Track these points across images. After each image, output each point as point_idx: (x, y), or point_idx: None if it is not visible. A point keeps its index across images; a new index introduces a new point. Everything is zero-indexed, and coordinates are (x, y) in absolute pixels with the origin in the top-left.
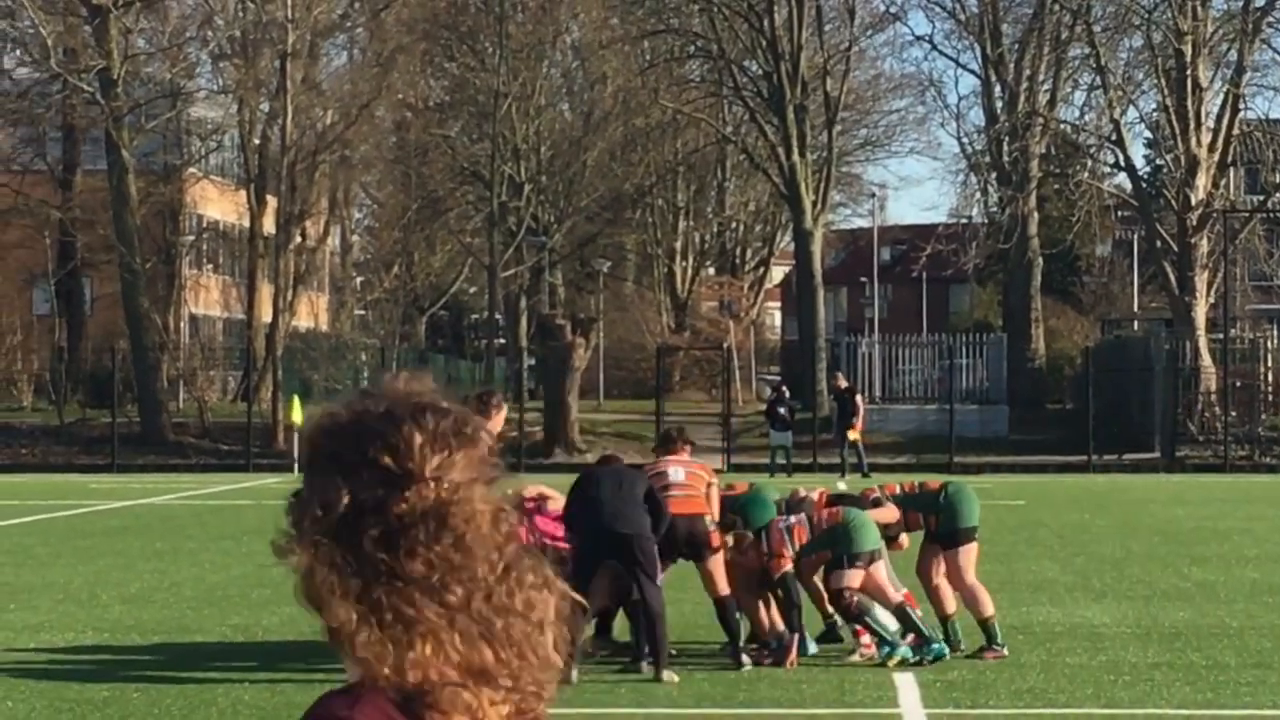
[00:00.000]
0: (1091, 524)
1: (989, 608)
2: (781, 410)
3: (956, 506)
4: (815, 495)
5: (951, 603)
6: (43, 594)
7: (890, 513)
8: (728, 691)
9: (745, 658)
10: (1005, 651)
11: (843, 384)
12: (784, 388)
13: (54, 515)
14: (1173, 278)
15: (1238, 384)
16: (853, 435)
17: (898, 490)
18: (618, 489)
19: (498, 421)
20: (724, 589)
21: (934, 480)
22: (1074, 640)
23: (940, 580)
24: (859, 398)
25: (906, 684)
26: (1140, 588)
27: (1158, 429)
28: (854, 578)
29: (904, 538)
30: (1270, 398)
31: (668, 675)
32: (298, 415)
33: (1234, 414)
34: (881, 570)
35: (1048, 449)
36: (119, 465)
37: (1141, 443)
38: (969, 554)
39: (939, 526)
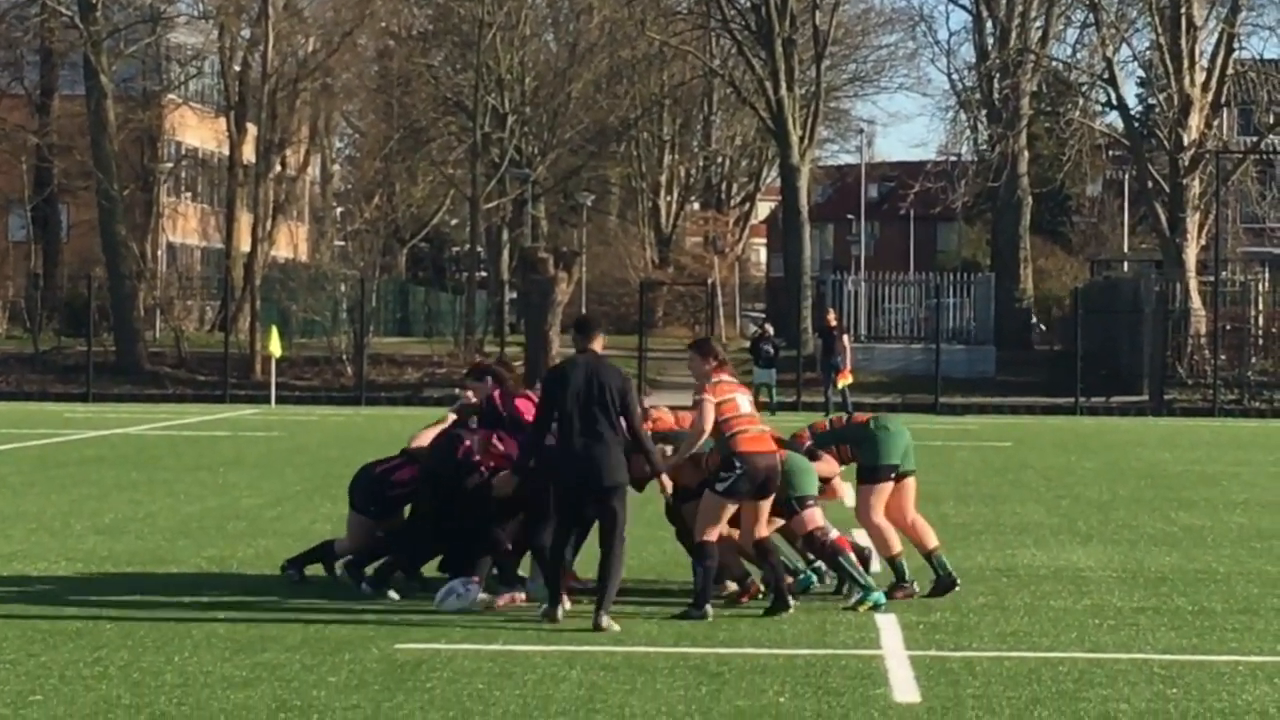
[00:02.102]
0: (1078, 467)
1: (896, 546)
2: (765, 348)
3: (876, 442)
4: None
5: (931, 536)
6: (15, 523)
7: (830, 466)
8: (708, 631)
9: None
10: (916, 588)
11: (832, 321)
12: (768, 325)
13: (28, 444)
14: (1164, 219)
15: (1228, 327)
16: (842, 382)
17: (827, 427)
18: (593, 432)
19: None
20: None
21: (863, 416)
22: (1059, 584)
23: (915, 517)
24: (846, 338)
25: (889, 625)
26: (1126, 532)
27: (1146, 372)
28: (817, 516)
29: (838, 485)
30: (1260, 341)
31: (606, 621)
32: (275, 346)
33: (1223, 358)
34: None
35: (1035, 390)
36: (94, 394)
37: (1130, 385)
38: (882, 492)
39: (860, 460)
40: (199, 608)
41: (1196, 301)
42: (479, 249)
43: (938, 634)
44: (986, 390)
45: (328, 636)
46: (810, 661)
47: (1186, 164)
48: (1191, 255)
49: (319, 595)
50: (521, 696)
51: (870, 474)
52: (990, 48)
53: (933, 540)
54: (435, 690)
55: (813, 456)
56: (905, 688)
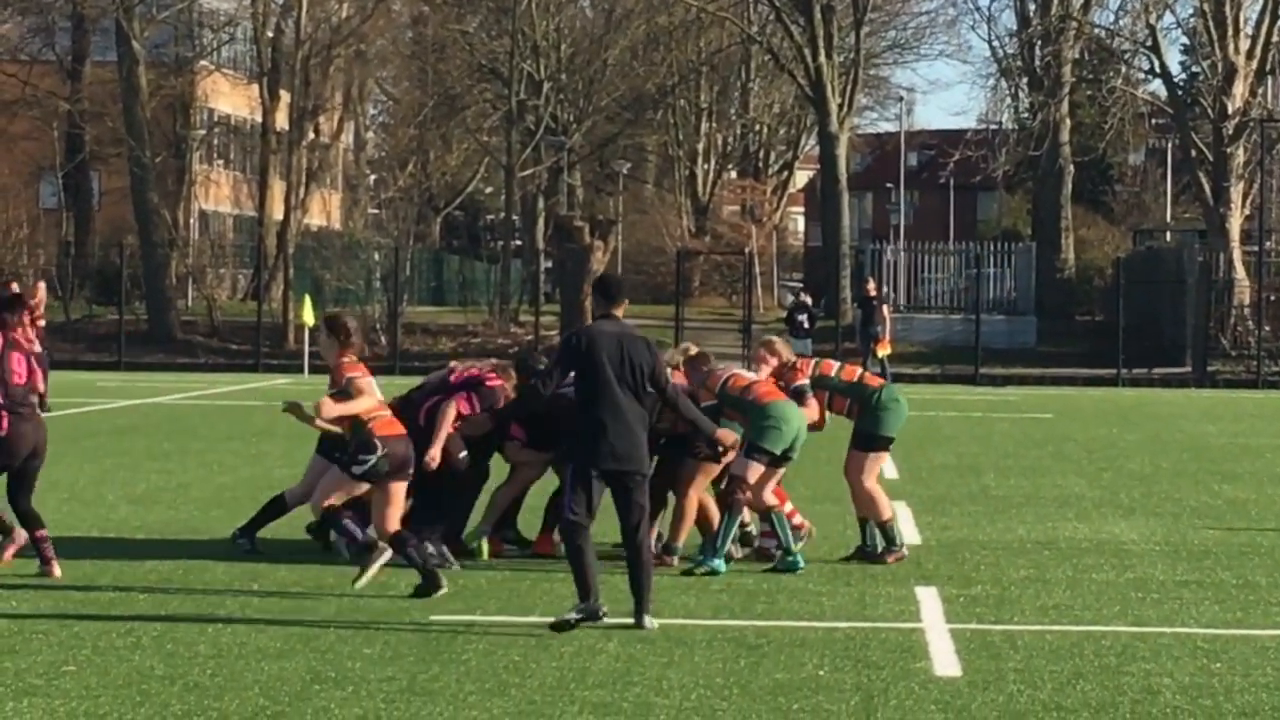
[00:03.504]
0: (1120, 439)
1: (888, 511)
2: (801, 318)
3: (885, 413)
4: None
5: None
6: (47, 493)
7: (811, 411)
8: (746, 603)
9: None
10: (905, 553)
11: (871, 291)
12: (805, 295)
13: (60, 413)
14: (1207, 188)
15: (1272, 298)
16: (882, 352)
17: (833, 372)
18: (620, 411)
19: None
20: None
21: (876, 379)
22: (1101, 557)
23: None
24: (885, 308)
25: (929, 598)
26: (1169, 505)
27: (1189, 343)
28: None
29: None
30: None
31: (650, 621)
32: (309, 315)
33: (1268, 329)
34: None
35: (1076, 361)
36: (126, 363)
37: (1172, 357)
38: (878, 461)
39: (860, 423)
40: (232, 578)
41: (1240, 272)
42: (514, 217)
43: (978, 607)
44: (1027, 361)
45: (362, 607)
46: (850, 635)
47: (1230, 132)
48: (1235, 225)
49: (354, 567)
50: (558, 668)
51: (868, 441)
52: (1032, 14)
53: (887, 512)
54: (471, 662)
55: (799, 397)
56: (946, 661)
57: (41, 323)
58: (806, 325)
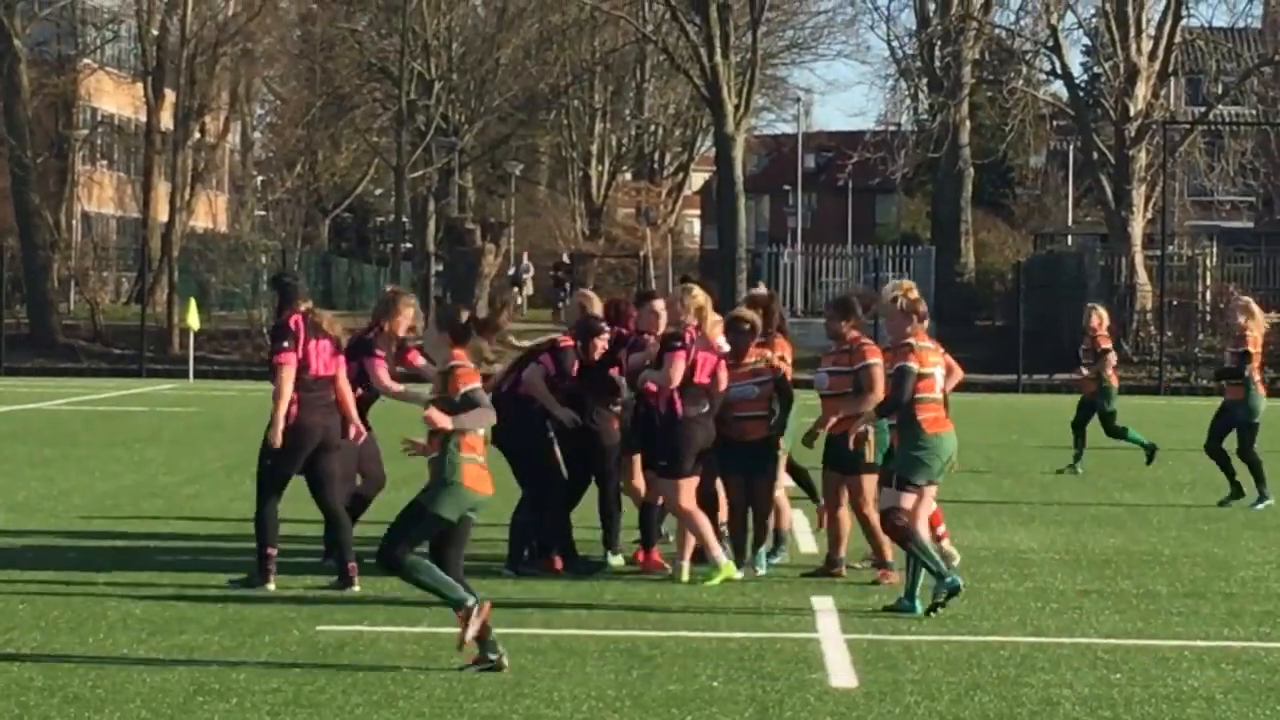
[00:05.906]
0: (1020, 445)
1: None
2: None
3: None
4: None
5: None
6: None
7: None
8: (639, 614)
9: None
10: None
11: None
12: None
13: None
14: (1109, 191)
15: (1174, 303)
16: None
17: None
18: None
19: None
20: None
21: None
22: (1000, 566)
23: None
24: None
25: (825, 609)
26: (1070, 512)
27: None
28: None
29: None
30: (1207, 318)
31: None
32: (193, 319)
33: (1170, 334)
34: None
35: (976, 367)
36: (6, 368)
37: (1073, 362)
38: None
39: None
40: (114, 588)
41: (1142, 276)
42: (404, 219)
43: (875, 617)
44: None
45: (247, 617)
46: (744, 645)
47: (1133, 135)
48: (1137, 229)
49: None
50: (446, 680)
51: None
52: (931, 14)
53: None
54: (358, 673)
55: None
56: (842, 672)
57: None
58: None
